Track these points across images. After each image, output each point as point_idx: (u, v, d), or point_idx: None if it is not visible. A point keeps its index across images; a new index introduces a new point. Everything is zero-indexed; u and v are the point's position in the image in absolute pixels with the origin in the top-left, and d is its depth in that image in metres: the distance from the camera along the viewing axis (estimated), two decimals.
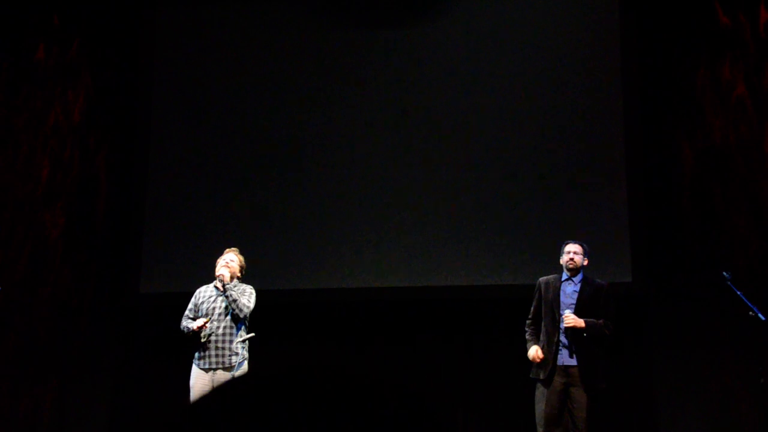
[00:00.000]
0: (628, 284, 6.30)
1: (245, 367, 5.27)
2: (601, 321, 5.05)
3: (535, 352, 5.10)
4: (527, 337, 5.23)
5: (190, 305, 5.46)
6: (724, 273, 5.34)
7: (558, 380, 4.98)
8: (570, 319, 5.01)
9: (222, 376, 5.16)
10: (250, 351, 5.39)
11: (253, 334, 5.44)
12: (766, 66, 6.43)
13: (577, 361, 4.99)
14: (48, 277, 6.94)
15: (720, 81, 6.52)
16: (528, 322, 5.28)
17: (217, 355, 5.16)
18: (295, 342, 6.78)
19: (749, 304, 5.16)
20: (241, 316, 5.23)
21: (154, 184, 7.15)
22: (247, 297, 5.33)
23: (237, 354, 5.21)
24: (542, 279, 5.29)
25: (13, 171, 6.98)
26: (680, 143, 6.56)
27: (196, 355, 5.27)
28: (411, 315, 6.76)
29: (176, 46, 7.36)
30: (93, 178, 7.21)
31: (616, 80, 6.69)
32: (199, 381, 5.19)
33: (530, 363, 5.17)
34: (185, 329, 5.38)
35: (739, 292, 5.21)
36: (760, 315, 5.12)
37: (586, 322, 5.01)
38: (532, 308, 5.27)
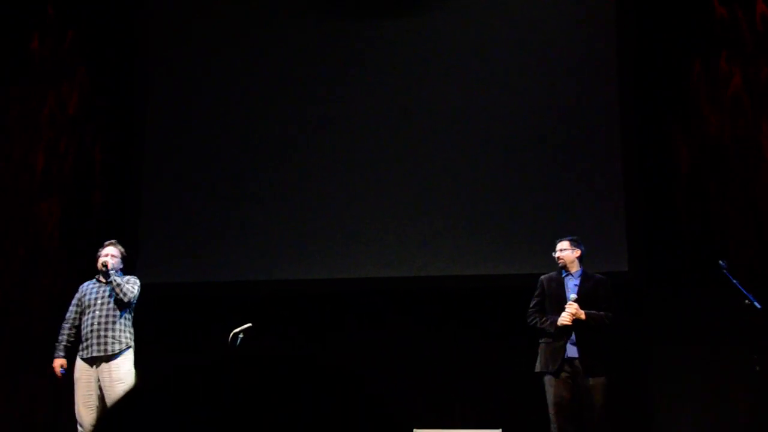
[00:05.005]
0: (624, 273, 6.31)
1: (129, 355, 5.22)
2: (602, 313, 5.12)
3: (563, 317, 5.07)
4: (537, 319, 5.24)
5: (75, 301, 5.41)
6: (720, 262, 5.36)
7: (565, 369, 5.06)
8: (573, 308, 5.07)
9: (105, 366, 5.11)
10: (246, 341, 5.37)
11: (249, 324, 5.44)
12: (762, 59, 6.45)
13: (580, 351, 5.06)
14: (44, 270, 6.92)
15: (716, 74, 6.53)
16: (531, 311, 5.31)
17: (98, 344, 5.10)
18: (290, 332, 6.78)
19: (745, 292, 5.17)
20: (125, 300, 5.22)
21: (149, 176, 7.15)
22: (131, 284, 5.33)
23: (120, 342, 5.19)
24: (544, 276, 5.38)
25: (8, 163, 6.97)
26: (676, 135, 6.57)
27: (79, 346, 5.22)
28: (407, 305, 6.76)
29: (172, 37, 7.36)
30: (89, 170, 7.20)
31: (613, 72, 6.70)
32: (84, 374, 5.13)
33: (534, 356, 5.25)
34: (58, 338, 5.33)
35: (734, 281, 5.23)
36: (756, 303, 5.13)
37: (586, 313, 5.09)
38: (534, 302, 5.31)
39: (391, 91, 6.97)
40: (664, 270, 6.39)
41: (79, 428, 5.11)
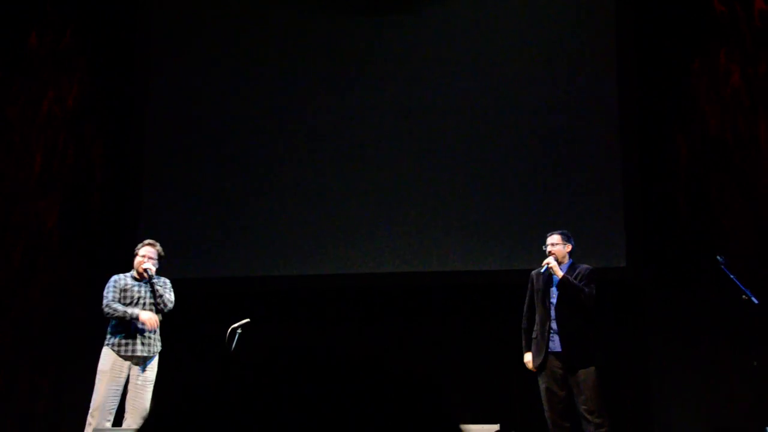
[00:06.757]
0: (623, 269, 6.32)
1: (157, 357, 5.25)
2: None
3: (528, 361, 5.26)
4: (523, 335, 5.33)
5: (117, 293, 5.14)
6: (718, 257, 5.36)
7: (553, 363, 5.09)
8: (548, 260, 5.17)
9: (141, 366, 5.10)
10: (245, 336, 5.38)
11: (248, 320, 5.44)
12: (761, 55, 6.45)
13: (568, 344, 5.08)
14: (44, 266, 6.93)
15: (715, 70, 6.53)
16: (524, 313, 5.35)
17: (143, 344, 5.07)
18: (289, 328, 6.79)
19: (743, 287, 5.17)
20: (166, 311, 5.20)
21: (149, 173, 7.16)
22: (169, 292, 5.30)
23: (158, 343, 5.20)
24: (534, 271, 5.40)
25: (7, 160, 6.98)
26: (675, 131, 6.57)
27: (116, 340, 5.07)
28: (408, 301, 6.77)
29: (173, 34, 7.37)
30: (88, 167, 7.21)
31: (612, 69, 6.71)
32: (116, 367, 5.05)
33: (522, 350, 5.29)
34: (117, 312, 5.05)
35: (732, 276, 5.23)
36: (753, 298, 5.13)
37: (564, 275, 5.17)
38: (526, 299, 5.36)
39: (392, 88, 6.98)
40: (662, 265, 6.40)
41: (89, 419, 5.03)
